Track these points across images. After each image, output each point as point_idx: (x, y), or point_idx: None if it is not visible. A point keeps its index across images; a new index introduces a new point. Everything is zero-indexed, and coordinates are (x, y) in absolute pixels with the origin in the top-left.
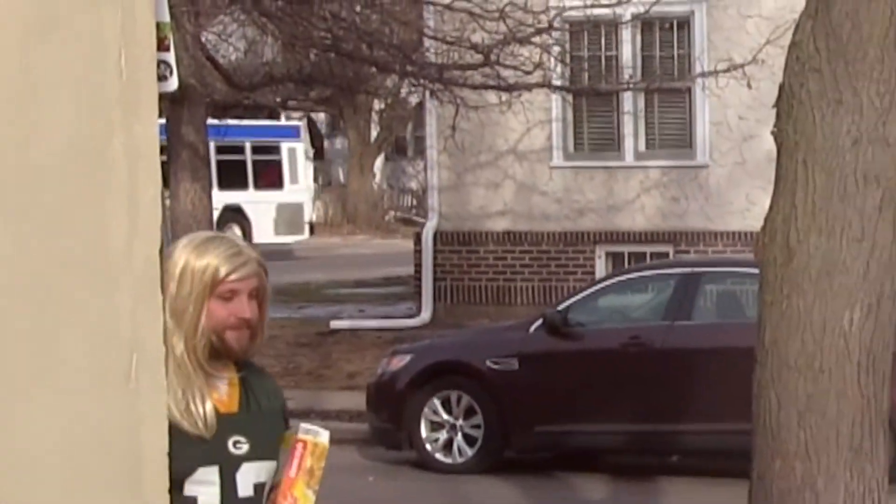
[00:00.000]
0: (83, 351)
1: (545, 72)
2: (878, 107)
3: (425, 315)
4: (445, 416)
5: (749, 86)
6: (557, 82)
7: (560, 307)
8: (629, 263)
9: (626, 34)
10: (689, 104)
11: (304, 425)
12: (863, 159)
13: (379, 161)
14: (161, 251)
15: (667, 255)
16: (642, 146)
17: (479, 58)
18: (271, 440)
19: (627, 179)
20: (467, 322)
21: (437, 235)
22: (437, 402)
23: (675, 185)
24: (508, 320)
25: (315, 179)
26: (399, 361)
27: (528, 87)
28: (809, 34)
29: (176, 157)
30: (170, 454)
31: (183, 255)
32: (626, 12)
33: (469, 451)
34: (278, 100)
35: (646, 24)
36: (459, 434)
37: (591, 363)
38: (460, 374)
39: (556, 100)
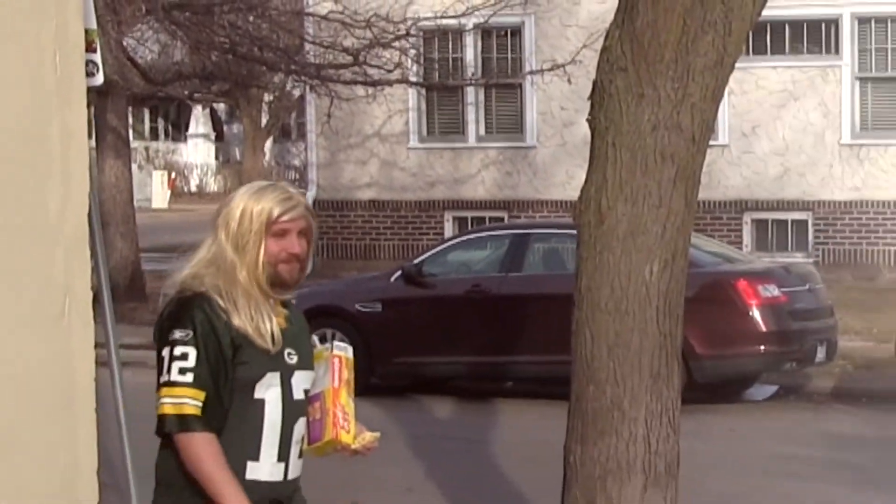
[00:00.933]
0: (25, 295)
1: (403, 70)
2: (672, 99)
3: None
4: None
5: (569, 82)
6: (413, 79)
7: (415, 261)
8: (472, 226)
9: (469, 40)
10: (521, 97)
11: (336, 342)
12: (660, 142)
13: (268, 143)
14: (89, 215)
15: (502, 219)
16: (482, 131)
17: (349, 59)
18: (309, 353)
19: (470, 158)
20: (340, 273)
21: (316, 203)
22: (315, 338)
23: (508, 162)
24: (373, 272)
25: (216, 157)
26: None
27: (390, 83)
28: (617, 40)
29: (102, 139)
30: (243, 362)
31: (242, 200)
32: (469, 22)
33: None
34: (186, 93)
35: (485, 31)
36: None
37: (440, 307)
38: (334, 316)
39: (412, 93)
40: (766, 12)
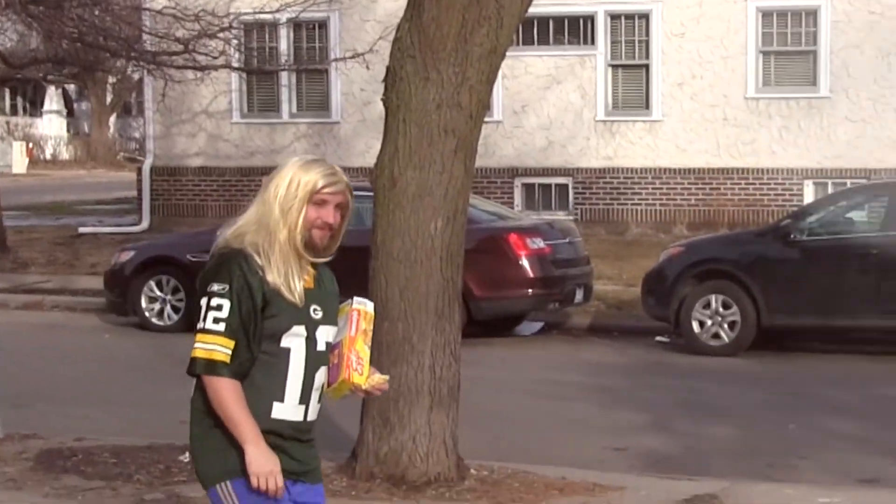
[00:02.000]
0: None
1: (227, 57)
2: (454, 82)
3: (145, 224)
4: (159, 293)
5: (367, 68)
6: (236, 64)
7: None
8: None
9: (282, 32)
10: (327, 80)
11: (357, 298)
12: (443, 118)
13: (112, 118)
14: None
15: None
16: (294, 109)
17: (181, 47)
18: (334, 311)
19: (284, 132)
20: (174, 229)
21: (153, 169)
22: (153, 284)
23: (317, 135)
24: (202, 227)
25: (68, 130)
26: (126, 255)
27: (215, 68)
28: (407, 32)
29: None
30: (273, 315)
31: (292, 170)
32: (283, 16)
33: (175, 317)
34: (41, 75)
35: (296, 24)
36: (168, 305)
37: None
38: (169, 265)
39: (234, 77)
40: (532, 9)
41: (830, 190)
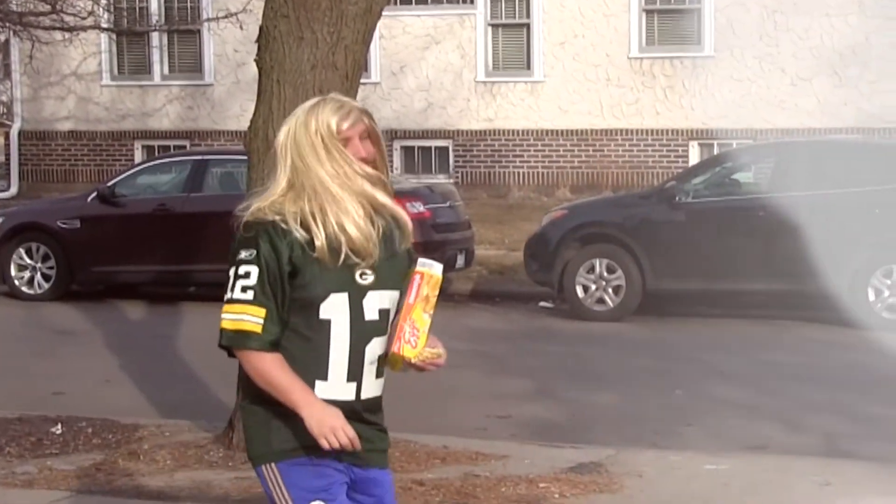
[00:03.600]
0: None
1: (96, 17)
2: (328, 42)
3: (13, 190)
4: (28, 261)
5: (241, 28)
6: (105, 25)
7: (109, 183)
8: (158, 153)
9: None
10: (199, 41)
11: (421, 259)
12: (318, 79)
13: None
14: None
15: (185, 147)
16: (166, 70)
17: (47, 7)
18: (394, 274)
19: (156, 94)
20: (43, 194)
21: (21, 134)
22: (22, 251)
23: (190, 98)
24: (72, 193)
25: None
26: None
27: (84, 28)
28: None
29: None
30: (304, 284)
31: (297, 122)
32: None
33: (46, 285)
34: None
35: None
36: (38, 273)
37: (132, 223)
38: (39, 231)
39: (104, 37)
40: None
41: (716, 151)
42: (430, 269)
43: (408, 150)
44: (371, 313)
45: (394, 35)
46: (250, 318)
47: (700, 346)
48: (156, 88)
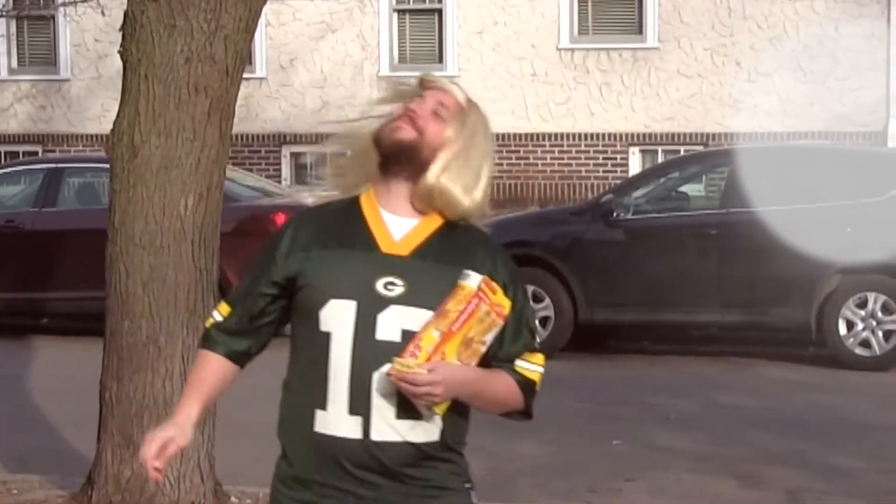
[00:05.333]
0: None
1: None
2: (205, 30)
3: None
4: None
5: (103, 13)
6: None
7: None
8: (5, 160)
9: None
10: (53, 29)
11: (464, 271)
12: (194, 74)
13: None
14: None
15: (37, 153)
16: (14, 63)
17: None
18: (438, 290)
19: (3, 91)
20: None
21: None
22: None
23: (42, 95)
24: None
25: None
26: None
27: None
28: None
29: None
30: (304, 285)
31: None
32: None
33: None
34: None
35: None
36: None
37: None
38: None
39: None
40: None
41: (661, 158)
42: (463, 280)
43: (298, 158)
44: (388, 332)
45: (282, 22)
46: (214, 315)
47: (643, 386)
48: (2, 84)
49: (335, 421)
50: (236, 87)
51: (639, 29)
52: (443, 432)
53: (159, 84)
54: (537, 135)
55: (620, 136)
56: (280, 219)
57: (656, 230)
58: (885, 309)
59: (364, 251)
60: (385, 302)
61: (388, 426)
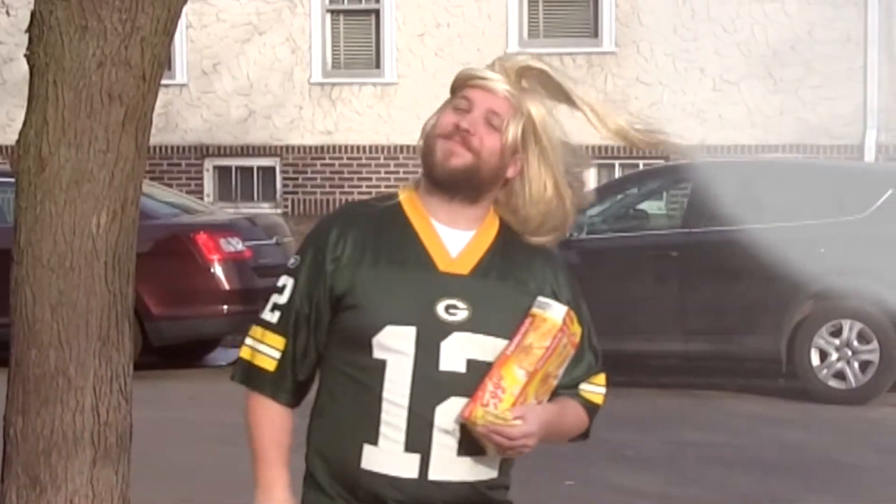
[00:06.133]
0: None
1: None
2: (120, 32)
3: None
4: None
5: (7, 13)
6: None
7: None
8: None
9: None
10: None
11: (540, 299)
12: (107, 79)
13: None
14: None
15: None
16: None
17: None
18: (503, 315)
19: None
20: None
21: None
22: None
23: None
24: None
25: None
26: None
27: None
28: None
29: None
30: (352, 305)
31: None
32: None
33: None
34: None
35: None
36: None
37: None
38: None
39: None
40: None
41: (618, 173)
42: (544, 311)
43: (223, 171)
44: (452, 362)
45: (205, 24)
46: (267, 351)
47: (598, 421)
48: None
49: (388, 458)
50: (154, 95)
51: (594, 32)
52: (500, 469)
53: (69, 91)
54: None
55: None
56: (202, 238)
57: (613, 251)
58: (862, 338)
59: (419, 269)
60: (448, 328)
61: (448, 465)
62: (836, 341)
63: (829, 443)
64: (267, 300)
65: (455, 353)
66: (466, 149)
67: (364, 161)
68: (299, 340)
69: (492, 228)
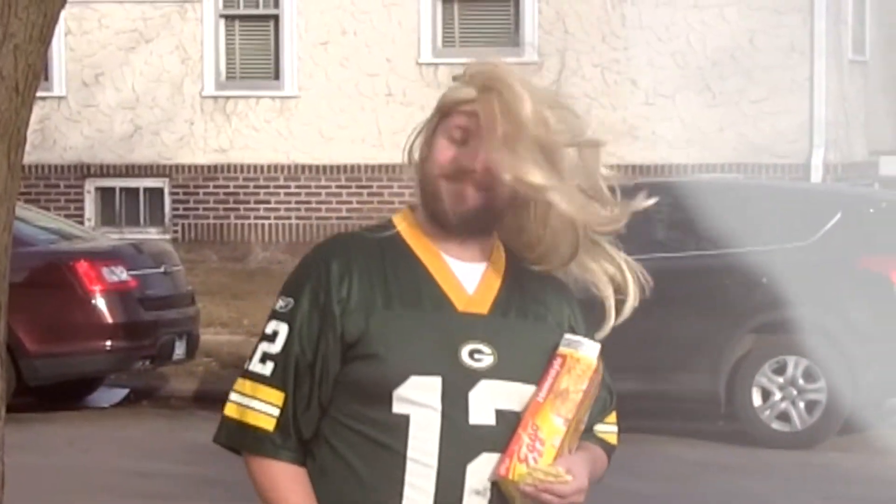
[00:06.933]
0: None
1: None
2: None
3: None
4: None
5: None
6: None
7: None
8: None
9: None
10: None
11: (567, 336)
12: None
13: None
14: None
15: None
16: None
17: None
18: (530, 358)
19: None
20: None
21: None
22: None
23: None
24: None
25: None
26: None
27: None
28: None
29: None
30: (369, 355)
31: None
32: None
33: None
34: None
35: None
36: None
37: None
38: None
39: None
40: None
41: None
42: (576, 350)
43: (106, 193)
44: (482, 414)
45: (86, 30)
46: (263, 407)
47: None
48: None
49: None
50: (28, 108)
51: (515, 40)
52: None
53: None
54: (392, 166)
55: None
56: (82, 267)
57: None
58: (808, 375)
59: (437, 311)
60: (475, 376)
61: None
62: (780, 379)
63: (772, 491)
64: (255, 349)
65: (484, 403)
66: (477, 188)
67: (262, 182)
68: (300, 394)
69: (501, 257)
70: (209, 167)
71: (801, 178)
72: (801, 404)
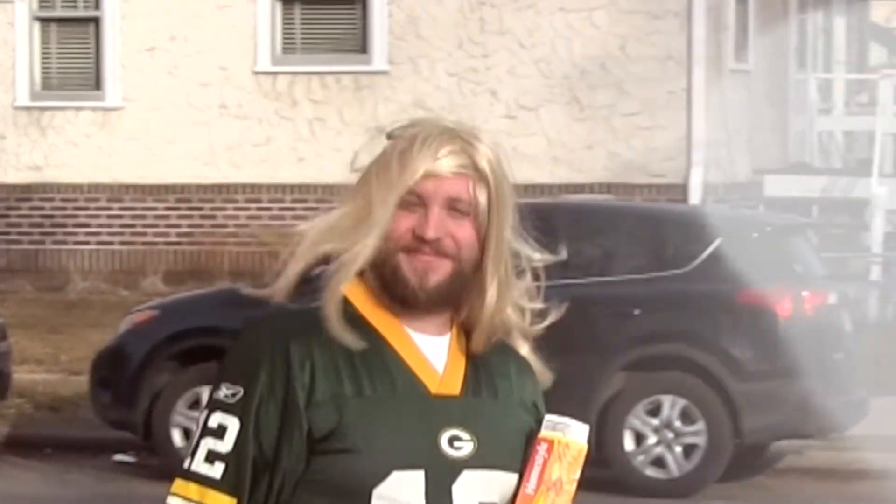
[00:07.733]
0: None
1: None
2: None
3: None
4: None
5: None
6: None
7: None
8: None
9: None
10: None
11: (549, 417)
12: None
13: None
14: None
15: None
16: None
17: None
18: (508, 442)
19: None
20: None
21: None
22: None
23: None
24: None
25: None
26: None
27: None
28: None
29: None
30: (343, 450)
31: (397, 142)
32: None
33: None
34: None
35: None
36: None
37: None
38: None
39: None
40: None
41: None
42: (563, 434)
43: None
44: None
45: None
46: None
47: None
48: None
49: None
50: None
51: (362, 47)
52: None
53: None
54: (228, 186)
55: (339, 188)
56: None
57: None
58: (685, 417)
59: (411, 396)
60: (457, 467)
61: None
62: (655, 422)
63: None
64: (196, 446)
65: (468, 496)
66: (441, 256)
67: (82, 203)
68: (256, 498)
69: (456, 330)
70: (22, 186)
71: (679, 199)
72: (678, 449)
